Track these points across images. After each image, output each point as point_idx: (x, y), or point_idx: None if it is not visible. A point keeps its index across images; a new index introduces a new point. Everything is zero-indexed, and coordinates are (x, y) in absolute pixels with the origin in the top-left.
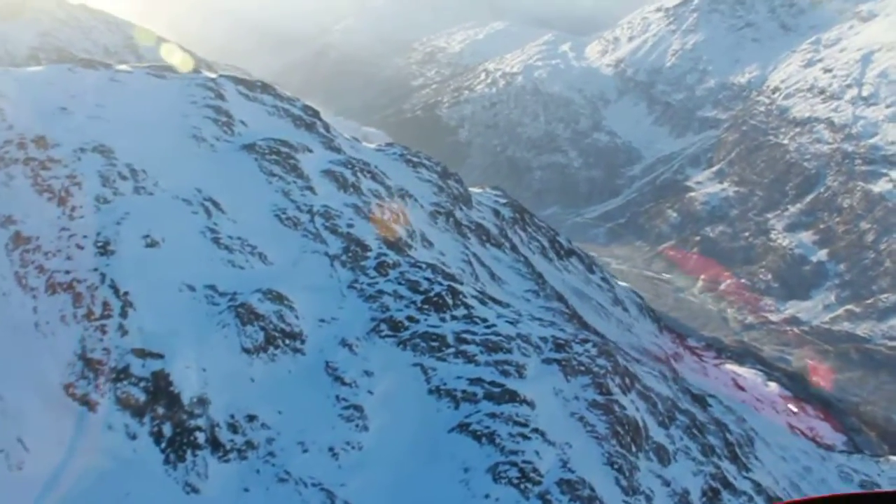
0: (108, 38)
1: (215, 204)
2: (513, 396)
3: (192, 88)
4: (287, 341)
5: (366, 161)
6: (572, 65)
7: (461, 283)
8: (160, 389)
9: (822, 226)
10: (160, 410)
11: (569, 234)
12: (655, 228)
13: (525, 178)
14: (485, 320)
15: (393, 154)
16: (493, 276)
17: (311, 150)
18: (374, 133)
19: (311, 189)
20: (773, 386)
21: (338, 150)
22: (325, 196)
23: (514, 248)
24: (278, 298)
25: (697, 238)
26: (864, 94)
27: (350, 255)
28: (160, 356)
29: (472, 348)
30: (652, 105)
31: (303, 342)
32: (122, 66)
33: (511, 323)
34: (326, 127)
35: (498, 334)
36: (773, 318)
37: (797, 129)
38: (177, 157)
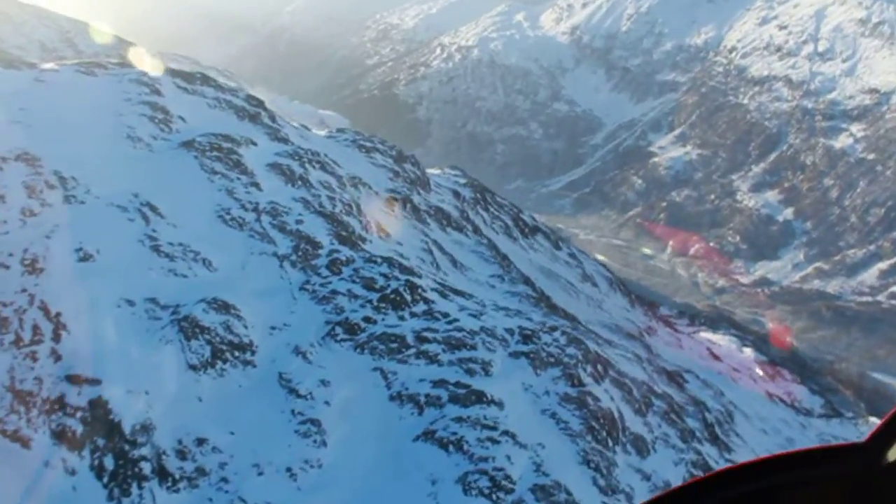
0: (42, 32)
1: (153, 209)
2: (480, 397)
3: (126, 85)
4: (236, 354)
5: (315, 150)
6: (527, 34)
7: (420, 276)
8: (98, 419)
9: (786, 184)
10: (100, 442)
11: (535, 207)
12: (621, 196)
13: (487, 152)
14: (446, 315)
15: (345, 140)
16: (455, 263)
17: (255, 143)
18: (331, 116)
19: (256, 185)
20: (748, 352)
21: (285, 141)
22: (271, 191)
23: (476, 230)
24: (224, 308)
25: (664, 204)
26: (820, 49)
27: (300, 254)
28: (97, 382)
29: (433, 347)
30: (610, 71)
31: (253, 353)
32: (48, 65)
33: (474, 316)
34: (272, 116)
35: (461, 329)
36: (744, 280)
37: (756, 88)
38: (110, 161)
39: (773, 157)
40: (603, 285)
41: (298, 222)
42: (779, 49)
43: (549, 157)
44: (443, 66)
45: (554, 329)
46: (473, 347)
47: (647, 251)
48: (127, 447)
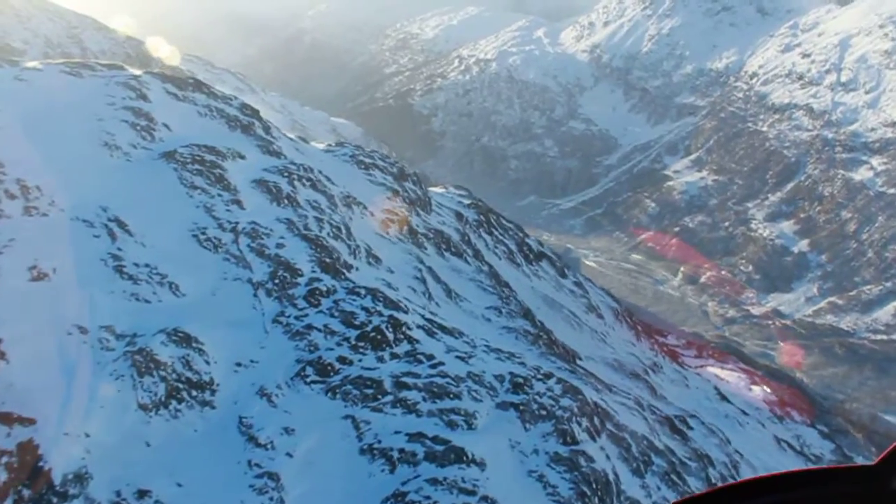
0: (48, 28)
1: (122, 225)
2: (459, 455)
3: (111, 88)
4: (194, 393)
5: (308, 166)
6: (547, 51)
7: (406, 311)
8: (26, 465)
9: (802, 215)
10: (25, 492)
11: (545, 225)
12: (633, 219)
13: (500, 167)
14: (431, 357)
15: (343, 155)
16: (449, 292)
17: (243, 157)
18: (344, 124)
19: (237, 203)
20: (756, 390)
21: (277, 155)
22: (254, 211)
23: (477, 255)
24: (185, 340)
25: (676, 229)
26: (843, 79)
27: (277, 281)
28: (31, 422)
29: (413, 395)
30: (629, 91)
31: (213, 393)
32: (32, 63)
33: (462, 359)
34: (266, 128)
35: (445, 375)
36: (755, 311)
37: (776, 116)
38: (81, 170)
39: (790, 186)
40: (608, 316)
41: (279, 246)
42: (801, 77)
43: (562, 176)
44: (460, 78)
45: (549, 376)
46: (457, 396)
47: (658, 276)
48: (55, 500)
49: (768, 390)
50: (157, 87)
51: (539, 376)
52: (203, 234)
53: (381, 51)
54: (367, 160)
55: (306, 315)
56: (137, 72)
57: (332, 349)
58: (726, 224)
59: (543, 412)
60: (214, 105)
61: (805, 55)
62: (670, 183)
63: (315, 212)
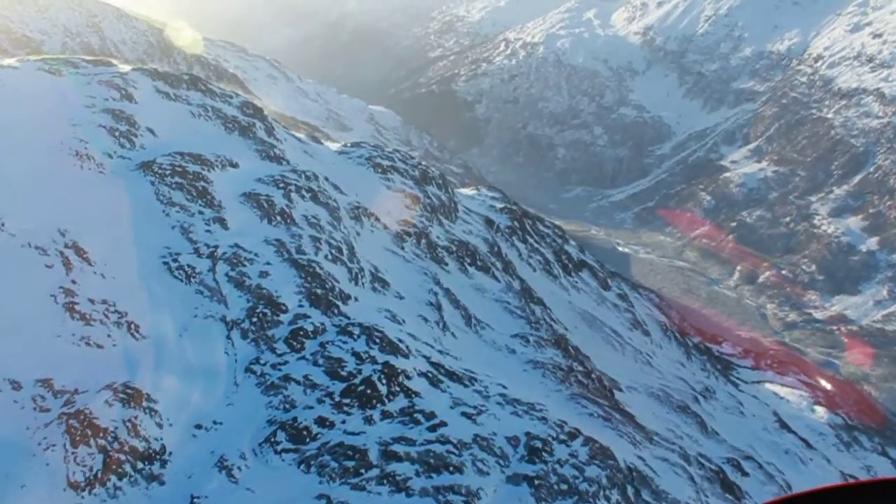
0: (67, 17)
1: (80, 252)
2: None
3: (94, 87)
4: (140, 465)
5: (312, 173)
6: (597, 33)
7: (406, 356)
8: None
9: (871, 210)
10: None
11: (593, 219)
12: (687, 213)
13: (547, 156)
14: (431, 416)
15: (358, 157)
16: (469, 320)
17: (234, 165)
18: (383, 112)
19: (221, 222)
20: (820, 412)
21: (278, 160)
22: (238, 230)
23: (507, 268)
24: (135, 398)
25: (733, 224)
26: None
27: (255, 320)
28: None
29: (404, 468)
30: (683, 76)
31: (164, 465)
32: (8, 61)
33: (469, 416)
34: (269, 129)
35: (446, 440)
36: (818, 315)
37: (843, 102)
38: (42, 185)
39: (857, 178)
40: (655, 332)
41: (262, 275)
42: (871, 59)
43: (612, 166)
44: (506, 62)
45: (574, 436)
46: (459, 469)
47: (713, 275)
48: None
49: (834, 410)
50: (145, 86)
51: (562, 436)
52: (175, 261)
53: (425, 34)
54: (385, 162)
55: (285, 363)
56: (126, 67)
57: (311, 407)
58: (787, 219)
59: (564, 486)
60: (211, 104)
61: (876, 35)
62: (727, 174)
63: (312, 230)
